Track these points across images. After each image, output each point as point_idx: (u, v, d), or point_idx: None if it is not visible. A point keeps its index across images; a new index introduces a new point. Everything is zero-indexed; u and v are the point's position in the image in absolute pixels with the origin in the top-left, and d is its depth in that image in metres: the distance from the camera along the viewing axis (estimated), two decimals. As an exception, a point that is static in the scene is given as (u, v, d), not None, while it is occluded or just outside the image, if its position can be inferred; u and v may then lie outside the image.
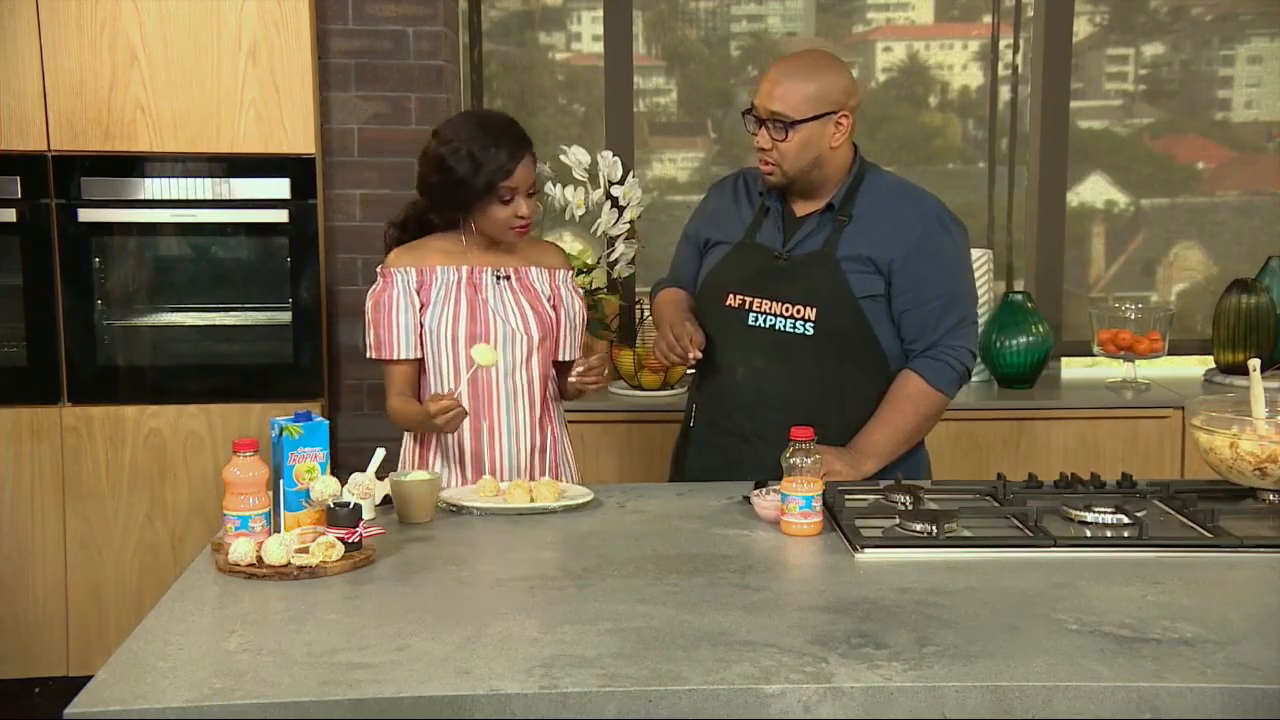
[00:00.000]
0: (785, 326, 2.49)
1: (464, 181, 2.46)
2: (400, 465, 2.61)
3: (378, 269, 2.58)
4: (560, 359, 2.64)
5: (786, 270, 2.51)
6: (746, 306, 2.52)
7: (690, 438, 2.66)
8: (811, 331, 2.47)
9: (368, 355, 2.57)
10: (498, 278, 2.56)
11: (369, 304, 2.56)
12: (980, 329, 3.72)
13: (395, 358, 2.53)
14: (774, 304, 2.50)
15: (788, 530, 2.09)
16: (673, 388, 3.69)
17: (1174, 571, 1.90)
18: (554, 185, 3.69)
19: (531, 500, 2.26)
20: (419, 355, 2.54)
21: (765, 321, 2.50)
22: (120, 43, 3.37)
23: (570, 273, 2.68)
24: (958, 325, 2.51)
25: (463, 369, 2.50)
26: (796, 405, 2.45)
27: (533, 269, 2.60)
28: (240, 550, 1.89)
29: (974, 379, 3.80)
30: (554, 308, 2.61)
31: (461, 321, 2.51)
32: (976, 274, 3.77)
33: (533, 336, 2.55)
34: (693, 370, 2.70)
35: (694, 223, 2.73)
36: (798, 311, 2.48)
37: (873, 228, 2.49)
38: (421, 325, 2.53)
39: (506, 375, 2.55)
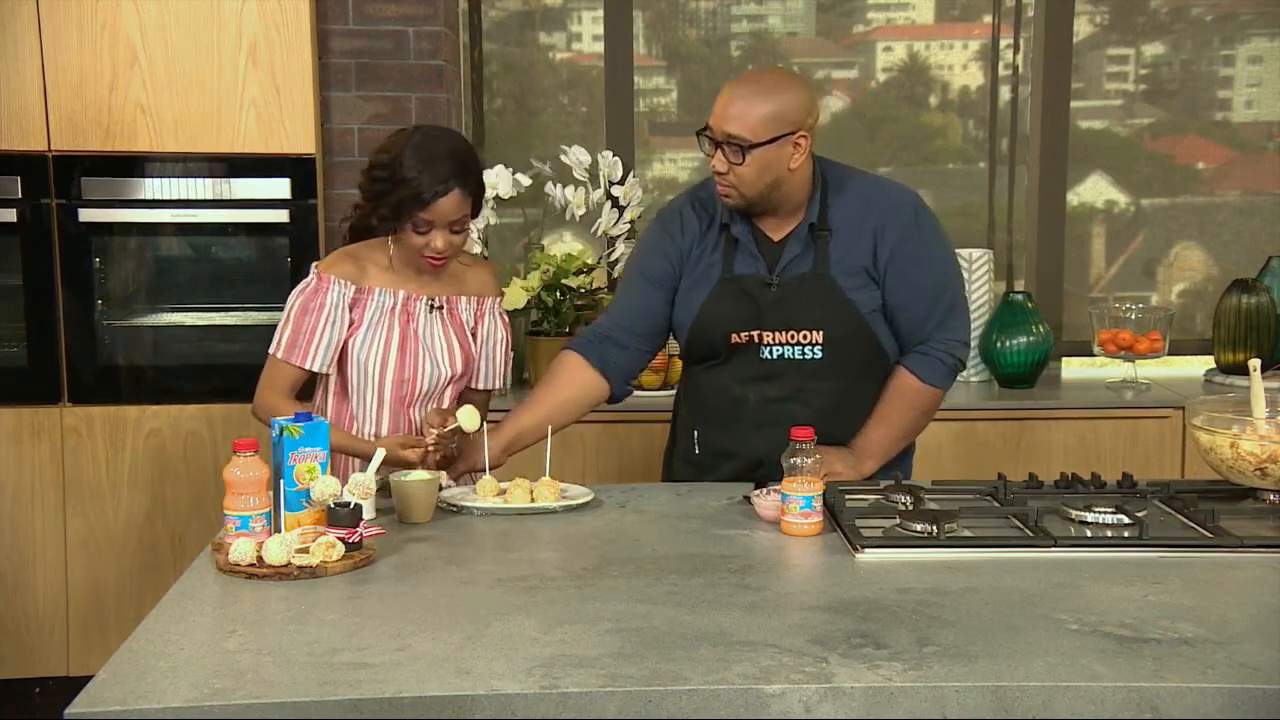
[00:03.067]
0: (794, 354, 2.44)
1: (383, 197, 2.38)
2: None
3: (314, 266, 2.51)
4: (477, 388, 2.62)
5: (783, 297, 2.43)
6: (757, 341, 2.45)
7: (692, 462, 2.59)
8: (821, 355, 2.44)
9: (272, 350, 2.47)
10: (431, 307, 2.51)
11: (295, 303, 2.46)
12: (980, 329, 3.76)
13: (306, 367, 2.45)
14: (779, 333, 2.44)
15: (788, 530, 2.09)
16: (672, 388, 3.69)
17: (1174, 571, 1.89)
18: (554, 185, 3.69)
19: (532, 500, 2.26)
20: (329, 371, 2.48)
21: (774, 353, 2.45)
22: (121, 42, 3.37)
23: (498, 299, 2.62)
24: (947, 317, 2.47)
25: (386, 400, 2.48)
26: (816, 427, 2.25)
27: (462, 299, 2.55)
28: (240, 550, 1.89)
29: (974, 379, 3.80)
30: (473, 335, 2.57)
31: (392, 352, 2.47)
32: (977, 274, 3.78)
33: (456, 371, 2.54)
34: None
35: (650, 259, 2.53)
36: (805, 337, 2.43)
37: (856, 237, 2.43)
38: (345, 345, 2.47)
39: (423, 407, 2.53)
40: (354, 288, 2.47)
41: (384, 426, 2.51)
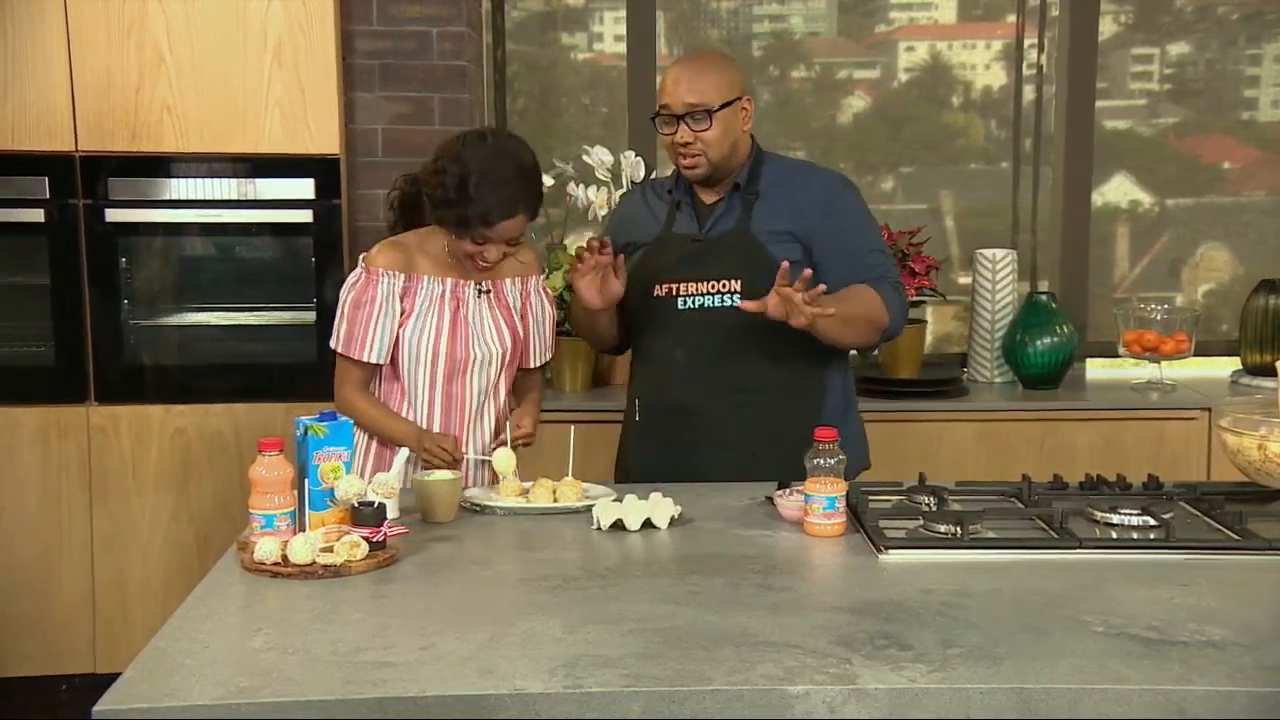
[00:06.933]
0: (712, 303, 2.55)
1: (448, 206, 2.42)
2: (361, 467, 2.55)
3: (361, 258, 2.53)
4: (529, 366, 2.66)
5: (705, 251, 2.57)
6: (674, 293, 2.58)
7: (631, 430, 2.72)
8: (738, 302, 2.50)
9: (333, 344, 2.52)
10: (480, 291, 2.55)
11: (348, 297, 2.50)
12: (1004, 330, 3.74)
13: (366, 359, 2.50)
14: (699, 284, 2.56)
15: (811, 531, 2.09)
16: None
17: (1201, 574, 1.88)
18: (577, 185, 3.70)
19: (555, 500, 2.27)
20: (387, 361, 2.52)
21: (694, 303, 2.57)
22: (147, 43, 3.39)
23: (541, 276, 2.68)
24: (881, 280, 2.54)
25: (439, 383, 2.52)
26: (734, 368, 2.55)
27: (507, 282, 2.60)
28: (265, 549, 1.90)
29: (998, 380, 3.79)
30: (522, 318, 2.61)
31: (443, 338, 2.50)
32: (1001, 275, 3.78)
33: (505, 349, 2.57)
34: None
35: (607, 234, 2.74)
36: (723, 286, 2.55)
37: (782, 202, 2.57)
38: (398, 335, 2.50)
39: (480, 394, 2.56)
40: (403, 277, 2.50)
41: (436, 404, 2.53)
